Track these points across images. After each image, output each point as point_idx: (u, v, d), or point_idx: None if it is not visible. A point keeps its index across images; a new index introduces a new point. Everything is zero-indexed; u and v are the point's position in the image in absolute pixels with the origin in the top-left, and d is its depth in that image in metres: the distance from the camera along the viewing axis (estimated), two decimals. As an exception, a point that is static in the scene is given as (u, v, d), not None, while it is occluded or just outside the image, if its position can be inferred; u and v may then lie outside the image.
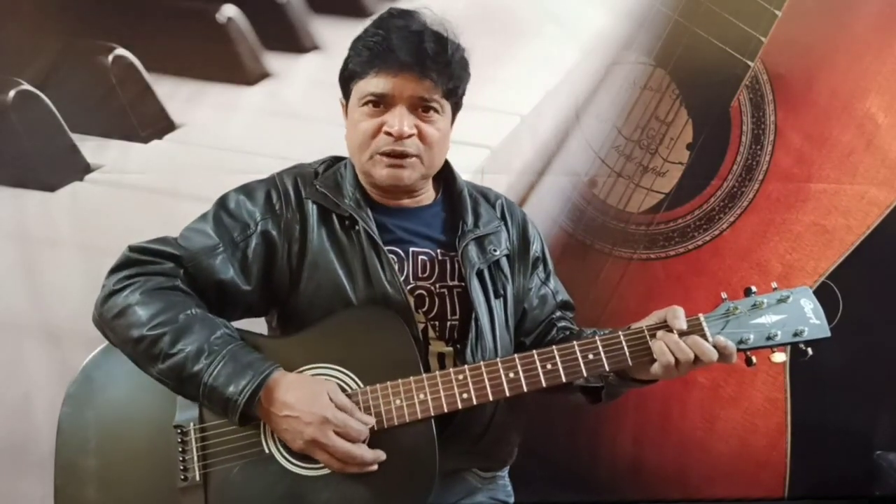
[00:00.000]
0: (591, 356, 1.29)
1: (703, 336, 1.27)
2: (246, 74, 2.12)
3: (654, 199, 2.28)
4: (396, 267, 1.40)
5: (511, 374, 1.29)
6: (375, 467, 1.25)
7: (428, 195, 1.50)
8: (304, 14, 2.13)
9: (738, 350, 1.28)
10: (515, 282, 1.51)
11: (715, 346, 1.27)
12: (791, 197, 2.29)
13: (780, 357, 1.31)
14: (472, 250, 1.45)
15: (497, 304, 1.46)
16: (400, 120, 1.36)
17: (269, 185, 1.45)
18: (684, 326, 1.27)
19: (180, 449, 1.31)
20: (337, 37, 2.08)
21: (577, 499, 2.32)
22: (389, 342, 1.34)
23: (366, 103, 1.38)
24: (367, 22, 1.42)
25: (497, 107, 2.17)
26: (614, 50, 2.22)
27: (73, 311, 2.01)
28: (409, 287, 1.41)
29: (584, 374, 1.30)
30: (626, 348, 1.29)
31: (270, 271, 1.40)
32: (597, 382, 1.39)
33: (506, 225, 1.53)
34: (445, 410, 1.29)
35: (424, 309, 1.42)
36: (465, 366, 1.31)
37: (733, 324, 1.29)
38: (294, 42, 2.13)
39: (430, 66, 1.34)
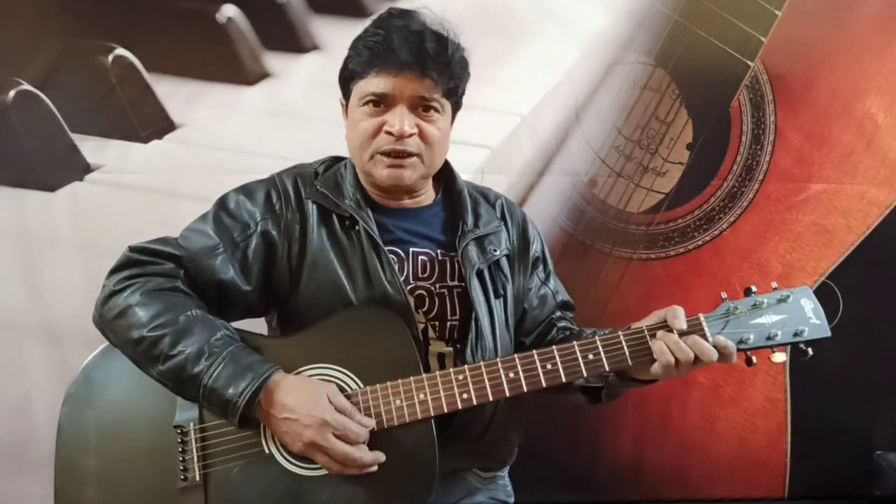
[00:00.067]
0: (591, 356, 1.29)
1: (704, 336, 1.27)
2: (246, 74, 2.12)
3: (654, 199, 2.28)
4: (396, 267, 1.40)
5: (511, 375, 1.29)
6: (375, 469, 1.25)
7: (428, 195, 1.50)
8: (304, 14, 2.13)
9: (739, 350, 1.28)
10: (515, 282, 1.51)
11: (715, 346, 1.27)
12: (791, 197, 2.29)
13: (780, 357, 1.31)
14: (472, 250, 1.45)
15: (497, 304, 1.46)
16: (401, 119, 1.36)
17: (269, 185, 1.45)
18: (684, 326, 1.27)
19: (180, 449, 1.31)
20: (337, 37, 2.08)
21: (577, 499, 2.32)
22: (389, 342, 1.34)
23: (366, 103, 1.38)
24: (367, 22, 1.42)
25: (497, 107, 2.17)
26: (614, 50, 2.22)
27: (73, 311, 2.01)
28: (409, 287, 1.41)
29: (584, 375, 1.30)
30: (626, 348, 1.29)
31: (270, 271, 1.40)
32: (597, 382, 1.39)
33: (506, 225, 1.53)
34: (445, 410, 1.29)
35: (424, 309, 1.42)
36: (465, 366, 1.31)
37: (733, 324, 1.29)
38: (294, 42, 2.13)
39: (430, 65, 1.34)
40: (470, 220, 1.47)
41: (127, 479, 1.33)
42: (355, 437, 1.24)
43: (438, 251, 1.45)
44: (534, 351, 1.30)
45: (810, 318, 1.29)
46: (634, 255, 2.29)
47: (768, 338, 1.28)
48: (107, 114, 2.06)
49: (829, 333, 1.30)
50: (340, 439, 1.23)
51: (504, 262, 1.49)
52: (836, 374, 2.25)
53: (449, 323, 1.43)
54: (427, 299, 1.42)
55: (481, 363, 1.31)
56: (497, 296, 1.46)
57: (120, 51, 2.04)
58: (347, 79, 1.42)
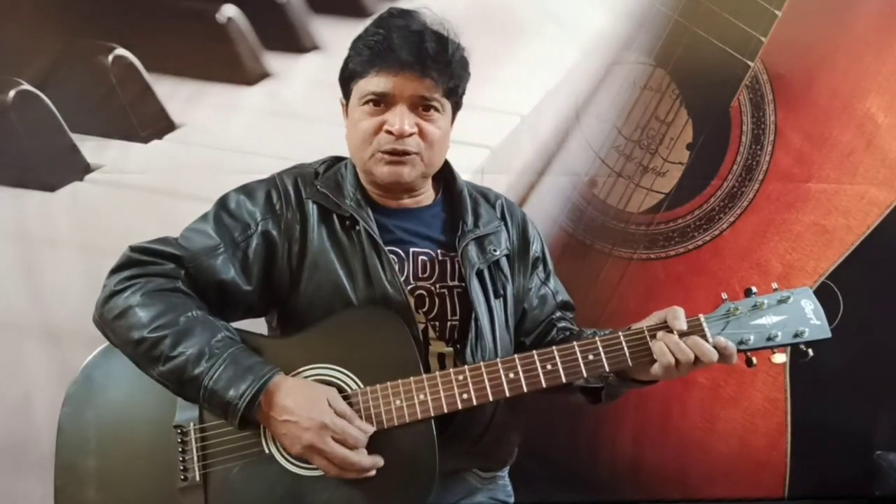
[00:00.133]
0: (591, 357, 1.29)
1: (704, 337, 1.27)
2: (246, 74, 2.12)
3: (654, 199, 2.28)
4: (397, 267, 1.40)
5: (511, 375, 1.29)
6: (373, 473, 1.25)
7: (428, 195, 1.50)
8: (304, 14, 2.13)
9: (739, 351, 1.28)
10: (515, 282, 1.51)
11: (715, 347, 1.27)
12: (791, 197, 2.29)
13: (780, 358, 1.31)
14: (472, 250, 1.45)
15: (497, 305, 1.46)
16: (401, 119, 1.36)
17: (269, 185, 1.45)
18: (685, 327, 1.27)
19: (180, 449, 1.31)
20: (337, 37, 2.08)
21: (577, 499, 2.32)
22: (389, 342, 1.34)
23: (366, 102, 1.38)
24: (367, 22, 1.42)
25: (497, 107, 2.17)
26: (614, 50, 2.22)
27: (73, 311, 2.01)
28: (409, 287, 1.41)
29: (584, 375, 1.29)
30: (626, 349, 1.29)
31: (271, 271, 1.40)
32: (597, 383, 1.39)
33: (506, 225, 1.53)
34: (445, 411, 1.29)
35: (424, 309, 1.42)
36: (465, 366, 1.31)
37: (734, 324, 1.29)
38: (294, 42, 2.13)
39: (430, 65, 1.34)
40: (470, 220, 1.47)
41: (127, 479, 1.33)
42: (354, 441, 1.24)
43: (438, 251, 1.45)
44: (534, 351, 1.30)
45: (811, 319, 1.29)
46: (634, 255, 2.29)
47: (769, 339, 1.28)
48: (107, 114, 2.06)
49: (829, 334, 1.30)
50: (339, 443, 1.23)
51: (504, 263, 1.49)
52: (836, 374, 2.25)
53: (449, 323, 1.43)
54: (427, 299, 1.42)
55: (481, 363, 1.31)
56: (497, 296, 1.46)
57: (120, 51, 2.04)
58: (348, 78, 1.42)
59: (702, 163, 2.26)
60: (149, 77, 2.07)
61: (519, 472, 1.59)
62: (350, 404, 1.28)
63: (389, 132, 1.36)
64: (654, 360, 1.28)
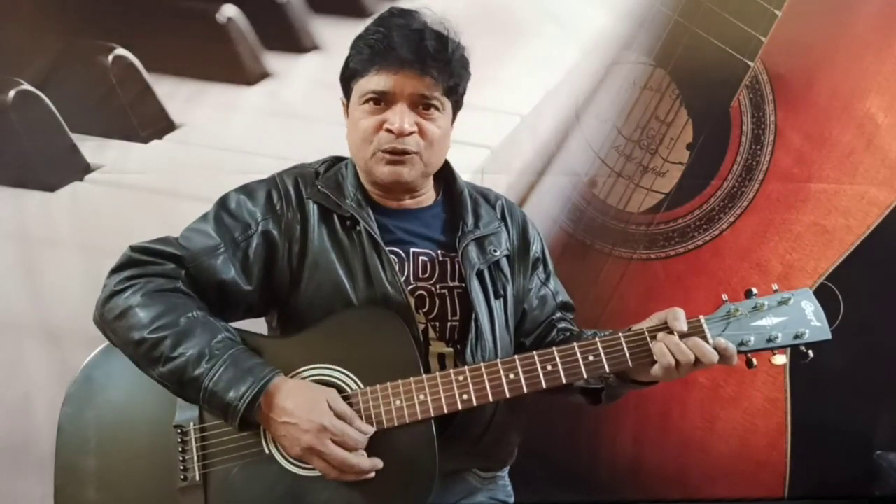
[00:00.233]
0: (591, 357, 1.29)
1: (704, 338, 1.27)
2: (246, 74, 2.12)
3: (654, 199, 2.28)
4: (397, 267, 1.40)
5: (511, 376, 1.29)
6: (373, 475, 1.25)
7: (429, 196, 1.50)
8: (304, 14, 2.13)
9: (739, 352, 1.28)
10: (515, 282, 1.51)
11: (715, 348, 1.27)
12: (791, 197, 2.29)
13: (780, 359, 1.31)
14: (473, 251, 1.45)
15: (497, 305, 1.46)
16: (401, 117, 1.36)
17: (269, 185, 1.45)
18: (685, 328, 1.27)
19: (180, 449, 1.31)
20: (337, 37, 2.08)
21: (577, 499, 2.32)
22: (390, 343, 1.34)
23: (367, 101, 1.38)
24: (368, 22, 1.42)
25: (497, 107, 2.17)
26: (614, 50, 2.23)
27: (73, 311, 2.01)
28: (409, 287, 1.41)
29: (585, 376, 1.29)
30: (626, 350, 1.29)
31: (271, 271, 1.40)
32: (597, 384, 1.40)
33: (506, 225, 1.53)
34: (445, 411, 1.29)
35: (425, 309, 1.42)
36: (465, 367, 1.31)
37: (734, 326, 1.29)
38: (294, 42, 2.13)
39: (430, 63, 1.34)
40: (470, 220, 1.47)
41: (127, 479, 1.33)
42: (354, 443, 1.24)
43: (439, 252, 1.45)
44: (534, 352, 1.30)
45: (811, 321, 1.29)
46: (634, 255, 2.29)
47: (769, 340, 1.28)
48: (107, 114, 2.06)
49: (829, 336, 1.30)
50: (339, 445, 1.23)
51: (504, 263, 1.49)
52: (836, 374, 2.25)
53: (449, 323, 1.43)
54: (427, 300, 1.42)
55: (481, 364, 1.31)
56: (497, 296, 1.46)
57: (120, 51, 2.04)
58: (348, 77, 1.42)
59: (702, 163, 2.26)
60: (149, 77, 2.07)
61: (519, 472, 1.59)
62: (350, 405, 1.28)
63: (390, 131, 1.36)
64: (655, 362, 1.28)
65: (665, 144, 2.25)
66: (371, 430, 1.26)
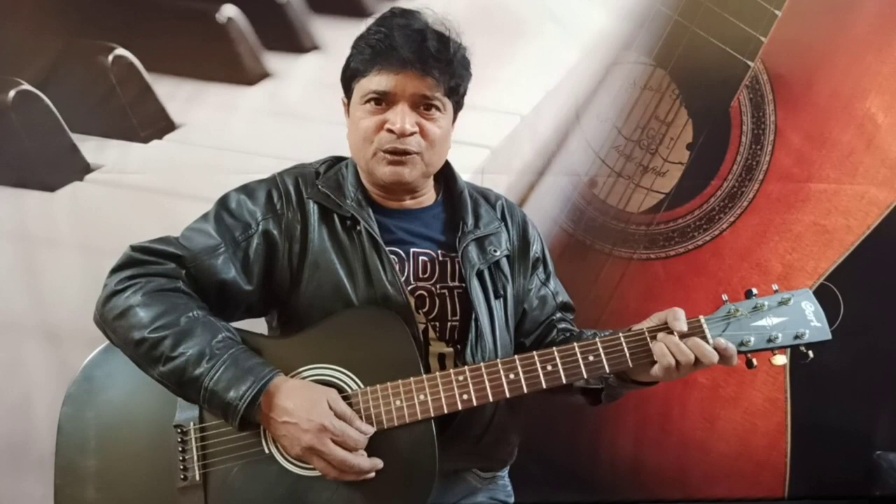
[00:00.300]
0: (591, 357, 1.29)
1: (704, 338, 1.27)
2: (246, 74, 2.12)
3: (654, 199, 2.28)
4: (397, 267, 1.40)
5: (511, 376, 1.29)
6: (373, 475, 1.25)
7: (429, 196, 1.50)
8: (304, 14, 2.13)
9: (739, 352, 1.28)
10: (515, 282, 1.51)
11: (715, 349, 1.27)
12: (791, 197, 2.29)
13: (780, 360, 1.31)
14: (473, 251, 1.45)
15: (497, 305, 1.46)
16: (402, 117, 1.36)
17: (270, 184, 1.45)
18: (685, 328, 1.27)
19: (180, 449, 1.31)
20: (337, 37, 2.08)
21: (577, 499, 2.32)
22: (390, 343, 1.34)
23: (368, 101, 1.38)
24: (367, 22, 1.42)
25: (497, 107, 2.17)
26: (614, 50, 2.22)
27: (73, 311, 2.01)
28: (409, 287, 1.41)
29: (585, 376, 1.29)
30: (626, 350, 1.29)
31: (271, 271, 1.40)
32: (597, 384, 1.39)
33: (506, 226, 1.53)
34: (445, 411, 1.29)
35: (425, 310, 1.42)
36: (466, 367, 1.31)
37: (734, 326, 1.29)
38: (294, 42, 2.13)
39: (432, 63, 1.34)
40: (470, 220, 1.47)
41: (127, 479, 1.33)
42: (354, 443, 1.24)
43: (439, 252, 1.45)
44: (534, 352, 1.30)
45: (811, 321, 1.29)
46: (634, 255, 2.29)
47: (769, 340, 1.28)
48: (107, 114, 2.05)
49: (829, 336, 1.30)
50: (339, 445, 1.23)
51: (504, 263, 1.49)
52: (836, 374, 2.26)
53: (449, 323, 1.43)
54: (427, 300, 1.42)
55: (481, 364, 1.31)
56: (497, 296, 1.46)
57: (120, 51, 2.04)
58: (349, 77, 1.42)
59: (702, 163, 2.26)
60: (149, 77, 2.06)
61: (519, 472, 1.60)
62: (350, 405, 1.28)
63: (391, 131, 1.36)
64: (655, 362, 1.28)
65: (665, 144, 2.26)
66: (371, 430, 1.26)
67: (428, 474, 1.27)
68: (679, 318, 1.28)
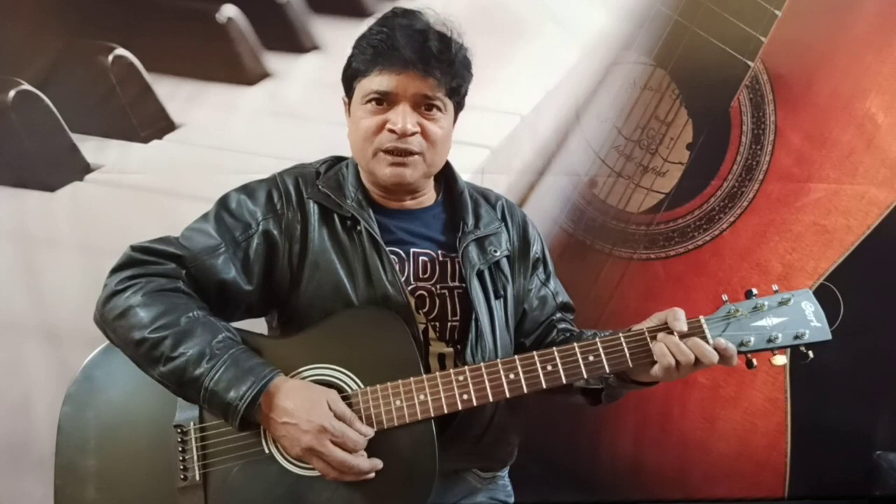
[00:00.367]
0: (591, 357, 1.29)
1: (704, 338, 1.27)
2: (246, 74, 2.12)
3: (654, 199, 2.28)
4: (397, 267, 1.40)
5: (511, 376, 1.29)
6: (372, 476, 1.25)
7: (429, 196, 1.50)
8: (304, 14, 2.13)
9: (739, 352, 1.28)
10: (516, 283, 1.51)
11: (715, 349, 1.27)
12: (791, 197, 2.29)
13: (780, 360, 1.31)
14: (473, 251, 1.45)
15: (497, 305, 1.46)
16: (403, 117, 1.36)
17: (270, 184, 1.44)
18: (685, 328, 1.27)
19: (180, 448, 1.31)
20: (337, 37, 2.09)
21: (577, 499, 2.32)
22: (390, 343, 1.34)
23: (369, 101, 1.38)
24: (367, 22, 1.42)
25: (497, 107, 2.17)
26: (614, 50, 2.23)
27: (73, 311, 2.01)
28: (409, 288, 1.41)
29: (585, 376, 1.29)
30: (626, 350, 1.29)
31: (271, 271, 1.40)
32: (597, 384, 1.39)
33: (506, 226, 1.53)
34: (445, 411, 1.29)
35: (425, 310, 1.42)
36: (466, 367, 1.31)
37: (734, 326, 1.29)
38: (294, 42, 2.13)
39: (433, 64, 1.34)
40: (470, 221, 1.47)
41: (127, 479, 1.33)
42: (353, 444, 1.24)
43: (439, 252, 1.45)
44: (534, 352, 1.30)
45: (811, 321, 1.29)
46: (634, 255, 2.29)
47: (769, 340, 1.28)
48: (107, 114, 2.05)
49: (829, 336, 1.30)
50: (338, 446, 1.23)
51: (504, 263, 1.49)
52: (836, 374, 2.26)
53: (449, 323, 1.43)
54: (428, 300, 1.42)
55: (481, 364, 1.31)
56: (497, 296, 1.46)
57: (120, 51, 2.04)
58: (351, 77, 1.42)
59: (702, 163, 2.26)
60: (149, 77, 2.07)
61: (519, 472, 1.59)
62: (350, 405, 1.28)
63: (392, 131, 1.36)
64: (655, 362, 1.28)
65: (665, 144, 2.26)
66: (371, 432, 1.26)
67: (428, 474, 1.27)
68: (679, 319, 1.28)
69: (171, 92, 2.08)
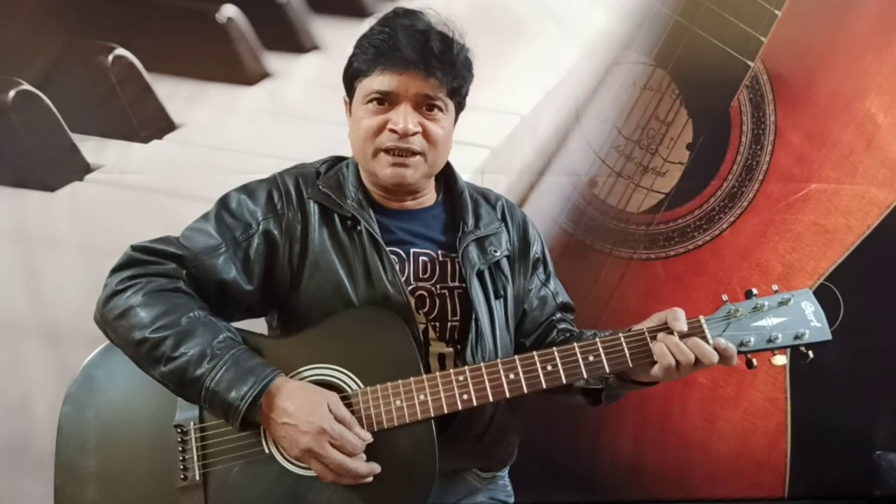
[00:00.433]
0: (591, 358, 1.29)
1: (704, 338, 1.27)
2: (246, 74, 2.12)
3: (654, 199, 2.28)
4: (397, 267, 1.40)
5: (511, 376, 1.29)
6: (370, 479, 1.25)
7: (430, 196, 1.50)
8: (304, 14, 2.13)
9: (739, 352, 1.28)
10: (516, 283, 1.51)
11: (715, 349, 1.27)
12: (791, 197, 2.29)
13: (780, 360, 1.31)
14: (473, 251, 1.45)
15: (497, 305, 1.46)
16: (404, 117, 1.36)
17: (270, 184, 1.44)
18: (685, 328, 1.27)
19: (180, 448, 1.31)
20: (337, 37, 2.09)
21: (577, 499, 2.32)
22: (390, 343, 1.34)
23: (370, 101, 1.38)
24: (368, 22, 1.42)
25: (497, 107, 2.17)
26: (614, 50, 2.23)
27: (73, 311, 2.01)
28: (409, 288, 1.41)
29: (585, 376, 1.29)
30: (626, 350, 1.29)
31: (272, 271, 1.40)
32: (597, 384, 1.39)
33: (506, 226, 1.53)
34: (445, 411, 1.29)
35: (425, 310, 1.42)
36: (466, 367, 1.31)
37: (734, 326, 1.29)
38: (294, 42, 2.13)
39: (435, 64, 1.34)
40: (470, 221, 1.47)
41: (127, 479, 1.33)
42: (352, 448, 1.24)
43: (439, 252, 1.45)
44: (534, 352, 1.30)
45: (811, 321, 1.29)
46: (634, 255, 2.29)
47: (769, 340, 1.28)
48: (107, 114, 2.06)
49: (829, 337, 1.30)
50: (337, 449, 1.23)
51: (504, 263, 1.49)
52: (836, 374, 2.26)
53: (449, 323, 1.43)
54: (428, 300, 1.42)
55: (481, 364, 1.31)
56: (497, 297, 1.46)
57: (120, 51, 2.04)
58: (352, 76, 1.42)
59: (702, 163, 2.26)
60: (149, 77, 2.07)
61: (519, 472, 1.59)
62: (350, 405, 1.28)
63: (393, 131, 1.36)
64: (655, 362, 1.28)
65: (665, 144, 2.26)
66: (370, 437, 1.26)
67: (428, 474, 1.28)
68: (679, 319, 1.28)
69: (171, 92, 2.08)
